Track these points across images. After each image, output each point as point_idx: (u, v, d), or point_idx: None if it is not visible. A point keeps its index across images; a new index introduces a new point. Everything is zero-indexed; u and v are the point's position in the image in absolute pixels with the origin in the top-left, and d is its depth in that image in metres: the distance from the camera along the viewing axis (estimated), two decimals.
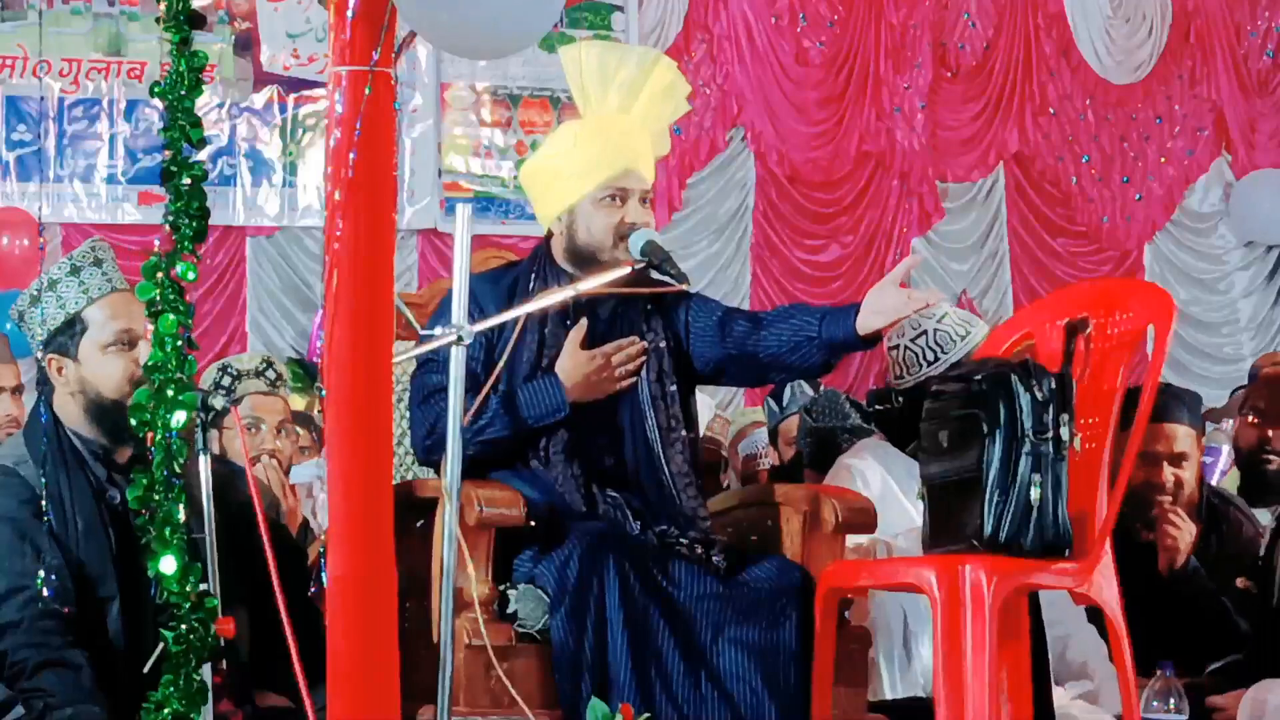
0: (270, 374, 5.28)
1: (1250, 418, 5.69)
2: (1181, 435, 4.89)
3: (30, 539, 3.69)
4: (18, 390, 5.70)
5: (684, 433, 4.09)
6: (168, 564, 3.27)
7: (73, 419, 3.86)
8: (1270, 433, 5.57)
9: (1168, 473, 4.88)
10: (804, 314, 4.08)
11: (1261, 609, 4.91)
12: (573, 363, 4.02)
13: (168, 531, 3.29)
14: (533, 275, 4.14)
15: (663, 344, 4.11)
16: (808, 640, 3.83)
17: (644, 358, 4.05)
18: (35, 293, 3.85)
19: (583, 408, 4.03)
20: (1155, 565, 4.88)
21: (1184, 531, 4.87)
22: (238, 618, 3.62)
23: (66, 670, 3.61)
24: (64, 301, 3.83)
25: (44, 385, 3.87)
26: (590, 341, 4.07)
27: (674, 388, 4.10)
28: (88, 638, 3.68)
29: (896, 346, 4.87)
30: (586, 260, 4.07)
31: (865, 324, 3.95)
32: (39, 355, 3.87)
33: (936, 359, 4.79)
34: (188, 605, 3.29)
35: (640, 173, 4.09)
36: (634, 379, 4.04)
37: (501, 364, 4.03)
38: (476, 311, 4.01)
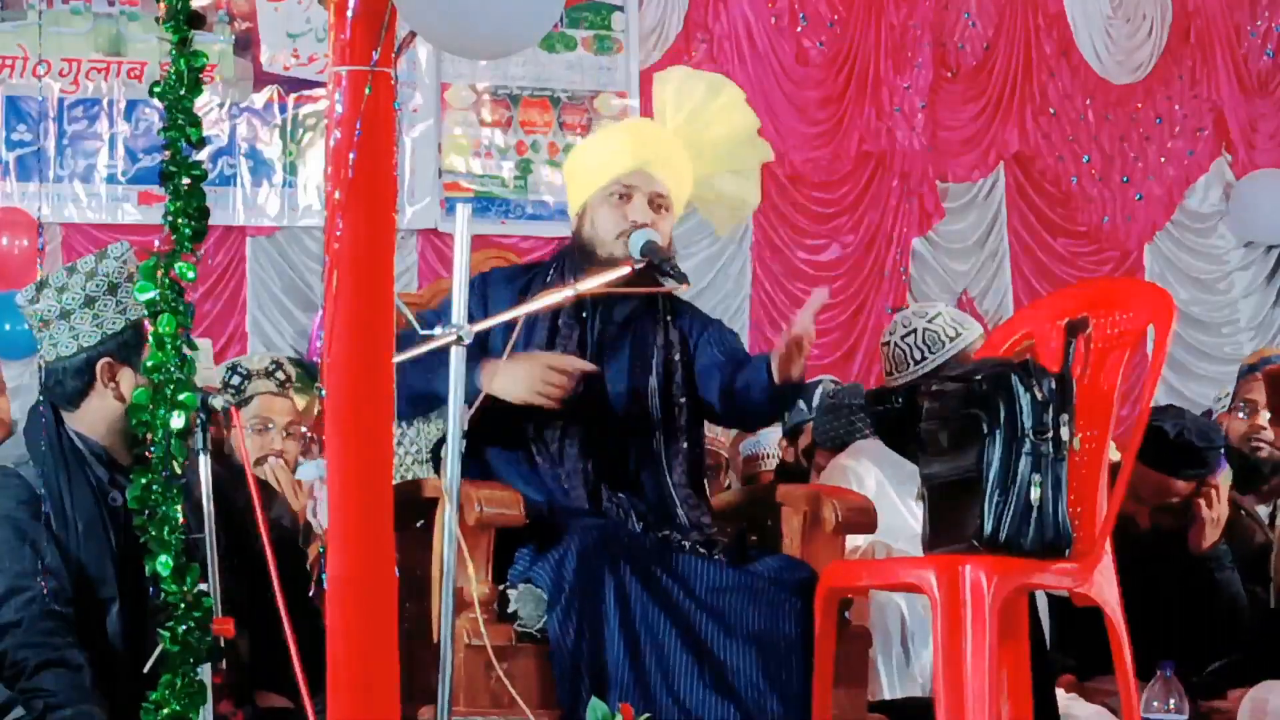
0: (280, 375, 5.27)
1: (1239, 414, 5.74)
2: (1179, 486, 4.92)
3: (30, 539, 3.68)
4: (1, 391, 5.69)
5: (685, 446, 4.10)
6: (164, 564, 3.27)
7: (93, 424, 3.83)
8: (1258, 420, 5.62)
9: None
10: (757, 366, 4.02)
11: (1264, 611, 4.93)
12: (515, 359, 3.99)
13: (165, 531, 3.29)
14: (550, 271, 4.17)
15: (677, 357, 4.13)
16: (811, 634, 3.83)
17: (577, 386, 4.00)
18: (93, 293, 3.81)
19: (597, 410, 4.03)
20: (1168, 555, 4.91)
21: (1220, 511, 4.89)
22: (238, 618, 3.62)
23: (66, 671, 3.61)
24: (124, 307, 3.81)
25: (57, 387, 3.85)
26: (600, 343, 4.08)
27: (684, 399, 4.12)
28: (88, 638, 3.68)
29: (888, 343, 4.89)
30: (590, 255, 4.10)
31: (774, 370, 3.90)
32: (89, 355, 3.81)
33: (924, 358, 4.80)
34: (184, 605, 3.29)
35: (652, 174, 4.12)
36: (553, 399, 3.98)
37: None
38: (482, 308, 4.03)
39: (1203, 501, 4.87)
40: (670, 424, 4.10)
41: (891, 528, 4.54)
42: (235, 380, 5.16)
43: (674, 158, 4.13)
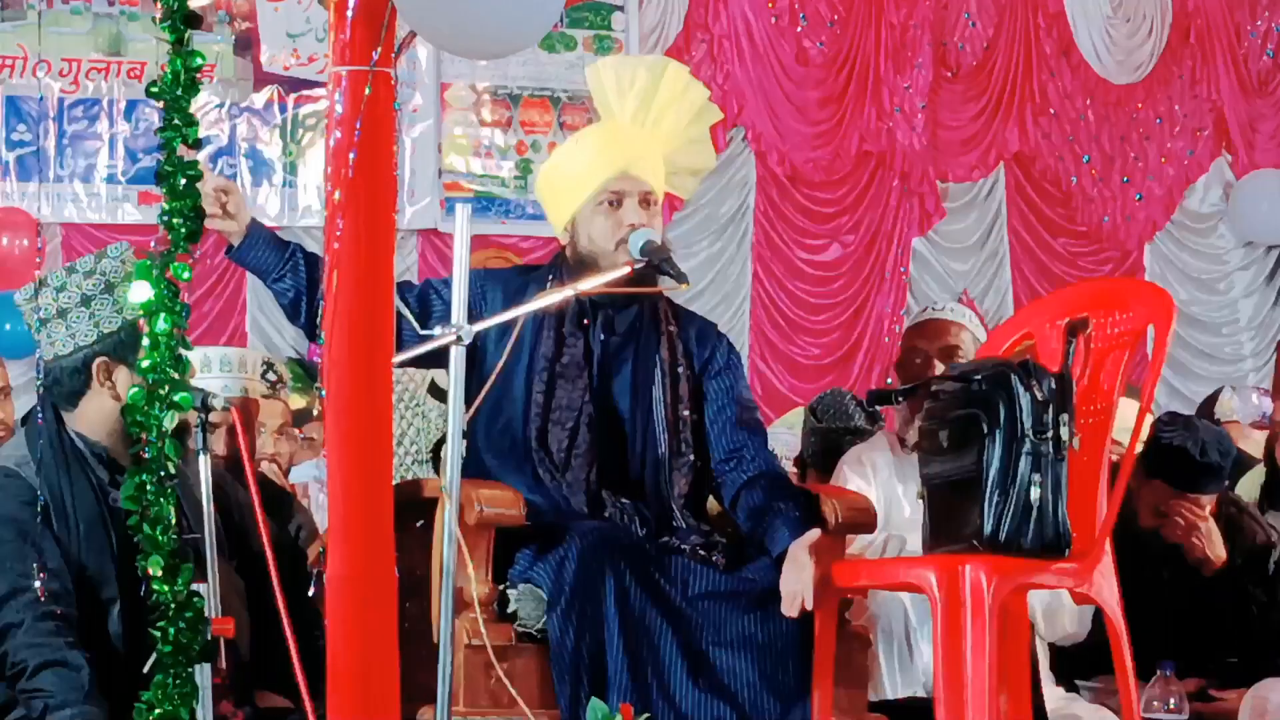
0: (271, 376, 5.26)
1: None
2: (1203, 501, 4.92)
3: (32, 540, 3.67)
4: (4, 392, 5.68)
5: (692, 458, 4.10)
6: (156, 564, 3.28)
7: (92, 424, 3.83)
8: None
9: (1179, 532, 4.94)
10: (773, 506, 4.02)
11: (1267, 613, 4.93)
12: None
13: (158, 531, 3.29)
14: (548, 278, 4.15)
15: (681, 369, 4.12)
16: (809, 636, 3.83)
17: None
18: (90, 292, 3.80)
19: (602, 420, 4.03)
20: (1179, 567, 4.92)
21: (1213, 532, 4.90)
22: (238, 618, 3.62)
23: (67, 671, 3.60)
24: (121, 306, 3.81)
25: (55, 387, 3.85)
26: (604, 354, 4.10)
27: (687, 413, 4.11)
28: (89, 639, 3.68)
29: None
30: (591, 266, 4.07)
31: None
32: (86, 354, 3.81)
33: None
34: (175, 605, 3.29)
35: (637, 175, 4.09)
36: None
37: (501, 364, 4.03)
38: (478, 306, 4.03)
39: (1195, 522, 4.88)
40: (675, 436, 4.09)
41: (900, 523, 4.56)
42: None
43: (650, 154, 4.12)
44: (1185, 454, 4.84)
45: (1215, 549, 4.89)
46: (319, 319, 3.44)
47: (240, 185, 9.50)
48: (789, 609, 3.81)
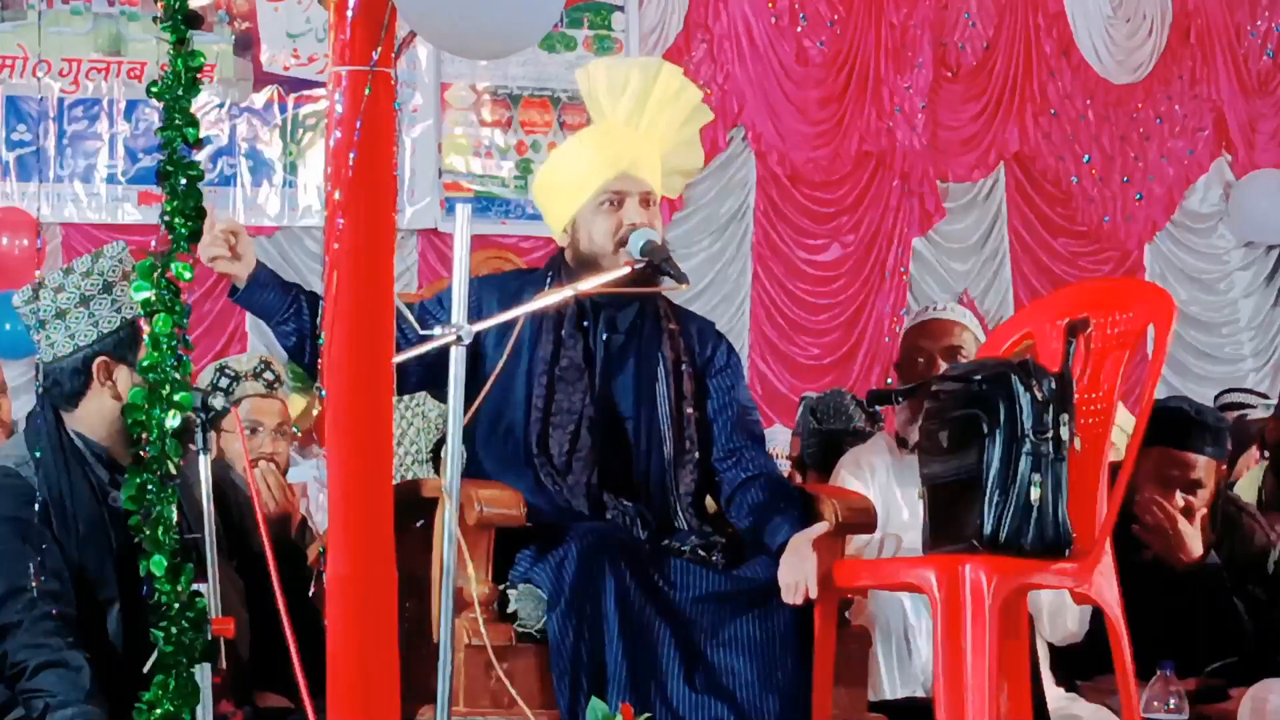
0: (268, 375, 5.24)
1: None
2: (1201, 464, 4.86)
3: (31, 540, 3.68)
4: (1, 389, 5.68)
5: (698, 454, 4.10)
6: (158, 564, 3.28)
7: (92, 424, 3.83)
8: None
9: (1179, 498, 4.88)
10: (773, 504, 4.03)
11: (1268, 614, 4.92)
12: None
13: (160, 532, 3.29)
14: (547, 279, 4.14)
15: (684, 367, 4.12)
16: (807, 635, 3.83)
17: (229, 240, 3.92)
18: (88, 292, 3.80)
19: (605, 420, 4.02)
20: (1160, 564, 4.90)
21: (1191, 527, 4.86)
22: (238, 618, 3.62)
23: (67, 671, 3.60)
24: (120, 305, 3.81)
25: (55, 388, 3.85)
26: (607, 353, 4.09)
27: (691, 410, 4.11)
28: (88, 639, 3.68)
29: None
30: (591, 267, 4.07)
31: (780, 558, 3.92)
32: (85, 354, 3.80)
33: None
34: (177, 605, 3.29)
35: (636, 175, 4.09)
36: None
37: (501, 364, 4.03)
38: (475, 312, 4.01)
39: (1178, 516, 4.86)
40: (680, 433, 4.09)
41: (900, 523, 4.56)
42: (224, 382, 5.13)
43: (649, 154, 4.12)
44: (1181, 411, 4.82)
45: (1189, 549, 4.82)
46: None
47: (240, 185, 9.50)
48: (792, 597, 3.80)
